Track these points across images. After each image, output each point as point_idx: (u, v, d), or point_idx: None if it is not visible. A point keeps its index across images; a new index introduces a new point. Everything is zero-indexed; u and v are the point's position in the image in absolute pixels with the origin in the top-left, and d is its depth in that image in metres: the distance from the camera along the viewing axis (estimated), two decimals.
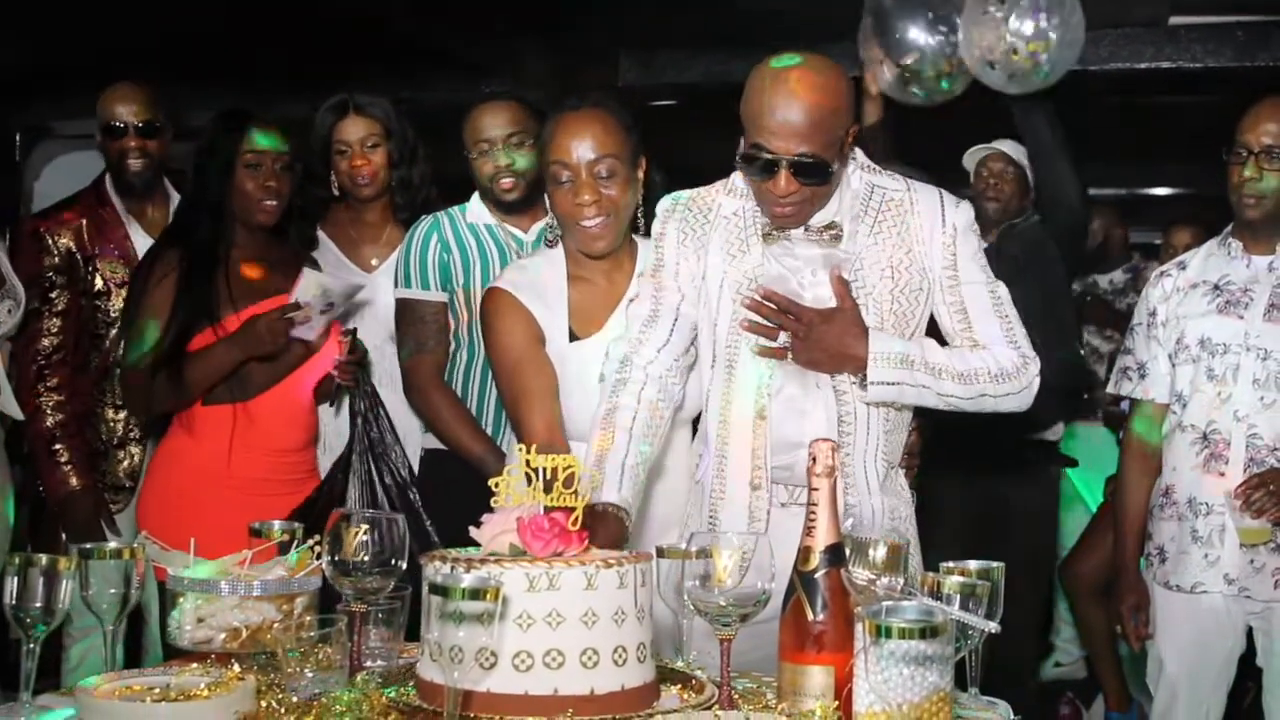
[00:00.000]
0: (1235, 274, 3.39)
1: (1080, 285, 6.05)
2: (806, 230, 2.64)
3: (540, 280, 2.93)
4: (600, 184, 2.80)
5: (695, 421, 2.89)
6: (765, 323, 2.59)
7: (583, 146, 2.79)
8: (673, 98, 6.51)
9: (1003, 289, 2.71)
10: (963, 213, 2.70)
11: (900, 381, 2.57)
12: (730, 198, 2.73)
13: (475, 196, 3.62)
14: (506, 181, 3.51)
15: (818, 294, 2.61)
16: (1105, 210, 6.18)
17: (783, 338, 2.60)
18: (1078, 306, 5.92)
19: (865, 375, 2.56)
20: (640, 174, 2.90)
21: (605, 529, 2.34)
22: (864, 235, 2.65)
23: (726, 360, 2.69)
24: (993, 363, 2.64)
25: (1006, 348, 2.66)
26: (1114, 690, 5.07)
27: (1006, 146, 4.87)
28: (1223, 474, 3.29)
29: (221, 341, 3.38)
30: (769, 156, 2.51)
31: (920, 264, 2.67)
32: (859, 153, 2.71)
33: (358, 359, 3.51)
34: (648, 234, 2.88)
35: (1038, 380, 2.67)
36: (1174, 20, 5.64)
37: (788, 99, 2.48)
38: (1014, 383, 2.64)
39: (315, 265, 3.68)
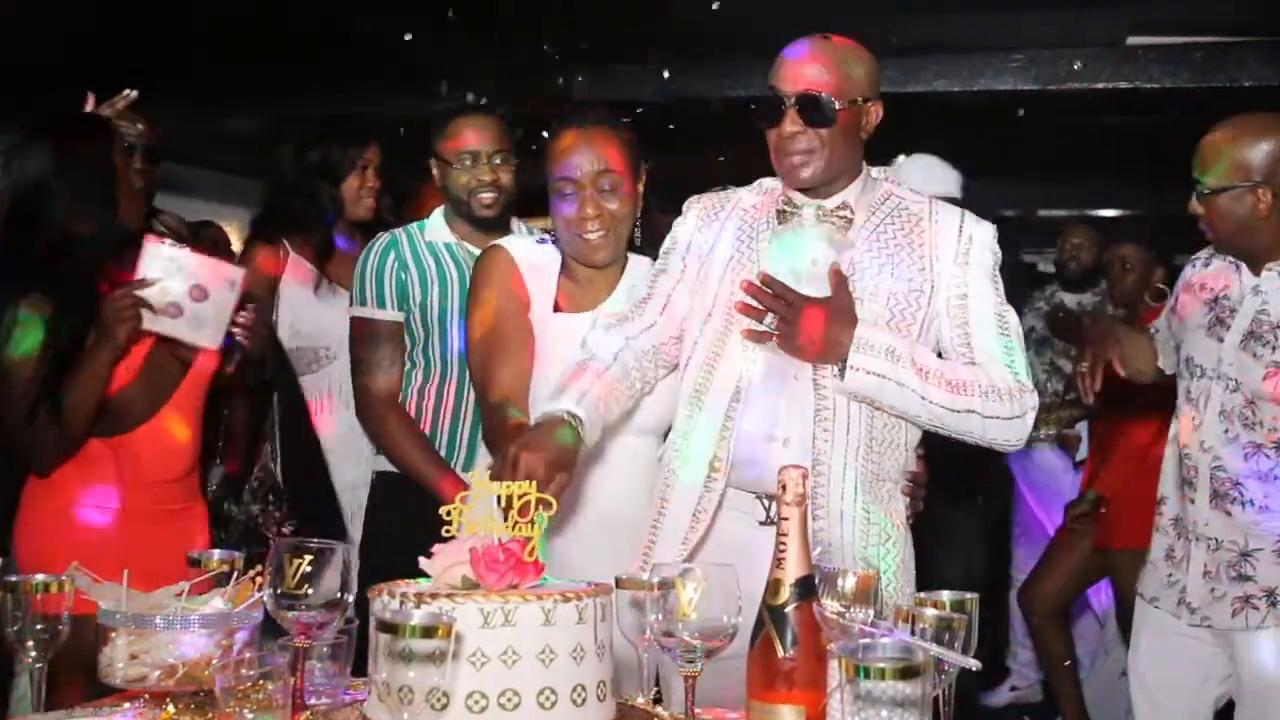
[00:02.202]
0: (1233, 288, 3.21)
1: (1046, 304, 6.00)
2: (819, 209, 2.63)
3: (539, 257, 2.99)
4: (603, 197, 2.86)
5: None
6: (757, 305, 2.53)
7: (587, 160, 2.84)
8: (624, 113, 6.45)
9: (1012, 315, 2.61)
10: (983, 228, 2.64)
11: (883, 374, 2.46)
12: (752, 194, 2.76)
13: (436, 214, 3.54)
14: (487, 196, 3.43)
15: (815, 285, 2.54)
16: (1083, 230, 6.09)
17: (770, 321, 2.53)
18: (1047, 323, 5.88)
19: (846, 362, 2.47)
20: (641, 188, 2.95)
21: (549, 427, 2.38)
22: (869, 231, 2.61)
23: (714, 339, 2.63)
24: (984, 379, 2.51)
25: (1003, 368, 2.54)
26: (1073, 715, 5.03)
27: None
28: (1193, 501, 3.19)
29: (88, 350, 3.01)
30: (774, 93, 2.56)
31: (927, 266, 2.59)
32: (884, 170, 2.74)
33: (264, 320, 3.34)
34: (640, 249, 2.97)
35: (1032, 415, 2.53)
36: (1132, 40, 5.67)
37: (803, 41, 2.59)
38: (1005, 405, 2.50)
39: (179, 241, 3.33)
